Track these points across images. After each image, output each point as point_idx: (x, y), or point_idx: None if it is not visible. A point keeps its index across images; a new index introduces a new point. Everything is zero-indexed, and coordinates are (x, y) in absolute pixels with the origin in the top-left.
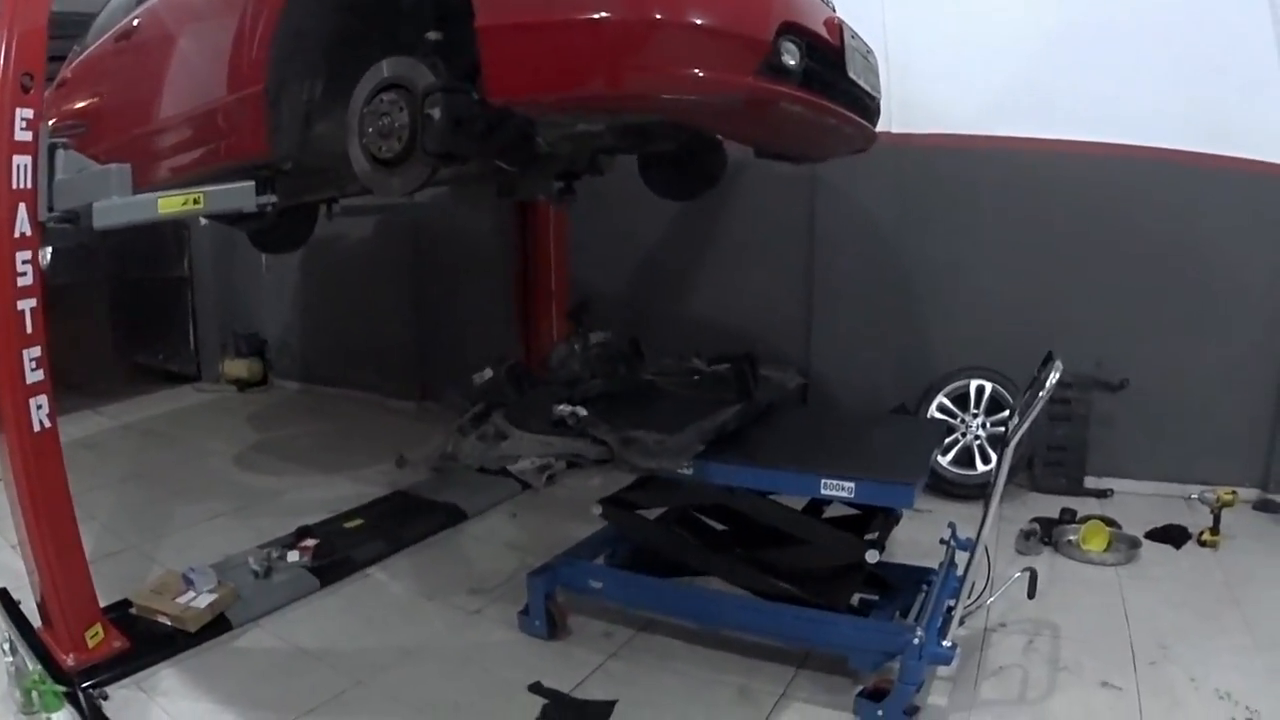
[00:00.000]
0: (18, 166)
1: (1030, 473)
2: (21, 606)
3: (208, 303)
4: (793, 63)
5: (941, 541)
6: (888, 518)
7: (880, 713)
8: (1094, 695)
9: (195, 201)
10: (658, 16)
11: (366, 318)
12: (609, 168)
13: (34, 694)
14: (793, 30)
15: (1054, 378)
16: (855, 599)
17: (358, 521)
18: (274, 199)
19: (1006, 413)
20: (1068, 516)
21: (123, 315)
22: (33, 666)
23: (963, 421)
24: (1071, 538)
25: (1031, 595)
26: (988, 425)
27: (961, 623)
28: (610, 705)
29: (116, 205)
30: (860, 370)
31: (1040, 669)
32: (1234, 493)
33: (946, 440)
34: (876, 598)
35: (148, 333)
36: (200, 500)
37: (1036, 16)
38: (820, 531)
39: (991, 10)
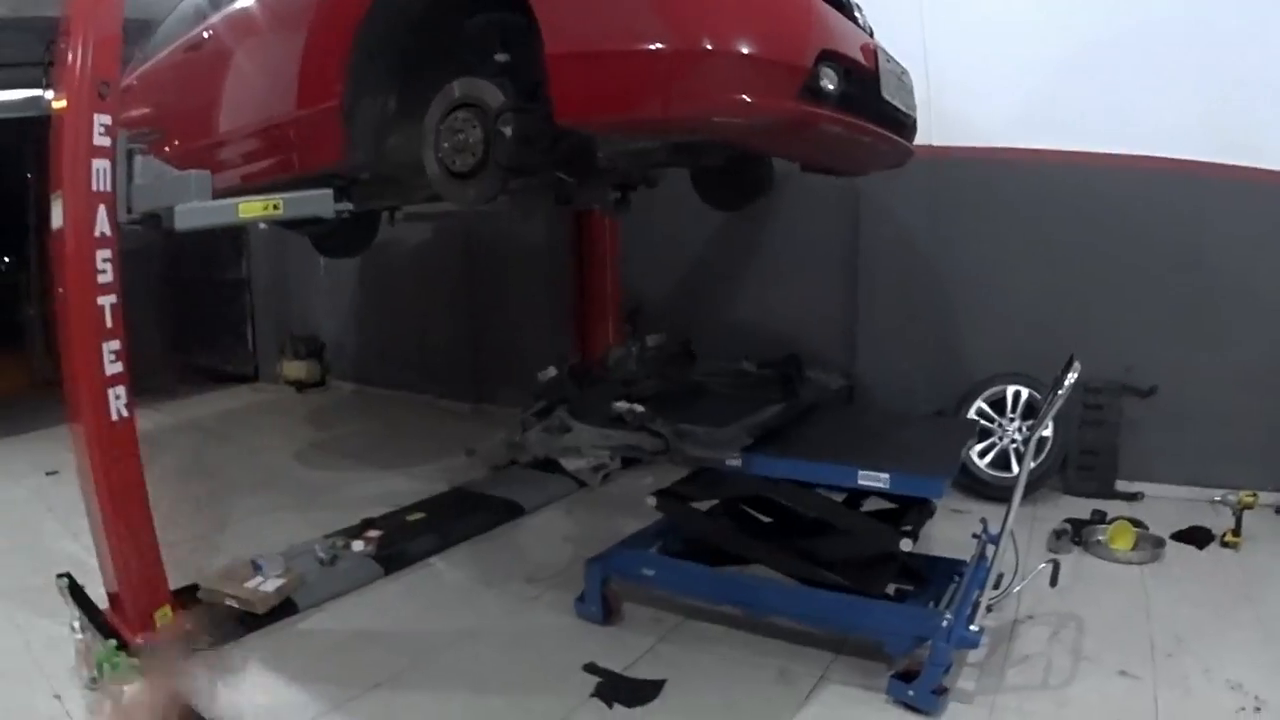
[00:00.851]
0: (97, 170)
1: (1064, 476)
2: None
3: (265, 305)
4: (831, 87)
5: (974, 536)
6: (921, 511)
7: (911, 692)
8: (1112, 683)
9: (275, 207)
10: (708, 47)
11: (421, 321)
12: (660, 180)
13: (105, 666)
14: (831, 57)
15: (1071, 378)
16: (891, 589)
17: (419, 515)
18: (350, 206)
19: None
20: (1097, 518)
21: (179, 315)
22: (104, 643)
23: (1000, 426)
24: (1100, 537)
25: (1054, 584)
26: (1023, 430)
27: (989, 610)
28: (659, 684)
29: (197, 209)
30: (901, 375)
31: (1063, 658)
32: (1255, 496)
33: (984, 445)
34: (911, 588)
35: (204, 333)
36: (261, 493)
37: (1062, 34)
38: (858, 522)
39: (1021, 29)
